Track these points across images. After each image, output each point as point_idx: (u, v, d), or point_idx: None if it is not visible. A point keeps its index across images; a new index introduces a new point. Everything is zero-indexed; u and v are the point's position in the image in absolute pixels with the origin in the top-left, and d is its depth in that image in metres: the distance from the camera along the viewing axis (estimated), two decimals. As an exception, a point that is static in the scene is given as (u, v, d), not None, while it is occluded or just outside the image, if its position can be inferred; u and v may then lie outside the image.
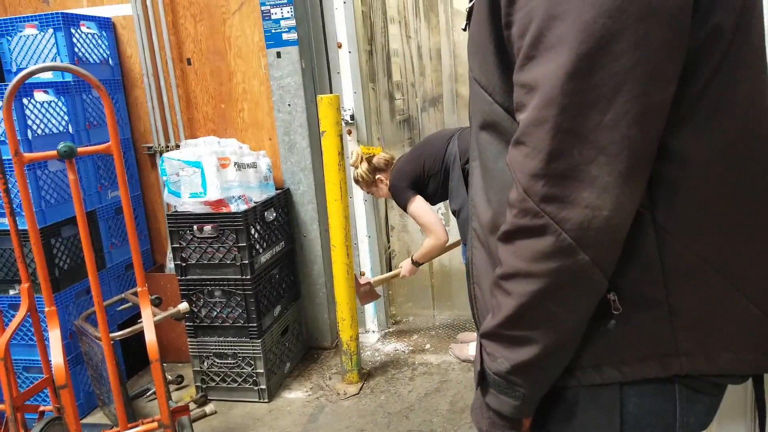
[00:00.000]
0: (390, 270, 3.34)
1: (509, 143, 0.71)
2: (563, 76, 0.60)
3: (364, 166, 2.70)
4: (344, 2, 2.85)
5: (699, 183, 0.68)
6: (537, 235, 0.65)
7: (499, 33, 0.70)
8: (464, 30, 0.84)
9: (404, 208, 2.61)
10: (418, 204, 2.56)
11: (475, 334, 2.83)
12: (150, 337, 2.10)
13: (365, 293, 2.95)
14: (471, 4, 0.80)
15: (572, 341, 0.71)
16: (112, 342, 2.35)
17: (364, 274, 3.13)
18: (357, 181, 2.77)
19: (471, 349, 2.80)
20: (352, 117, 2.93)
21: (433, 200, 2.66)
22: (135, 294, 2.61)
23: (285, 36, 2.75)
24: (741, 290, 0.71)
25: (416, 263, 2.83)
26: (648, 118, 0.62)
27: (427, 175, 2.55)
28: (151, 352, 2.09)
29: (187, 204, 2.56)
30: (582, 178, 0.62)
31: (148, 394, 2.75)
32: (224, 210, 2.54)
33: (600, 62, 0.60)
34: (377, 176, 2.71)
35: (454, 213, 2.54)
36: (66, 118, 2.68)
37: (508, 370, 0.72)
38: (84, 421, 2.65)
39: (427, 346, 3.03)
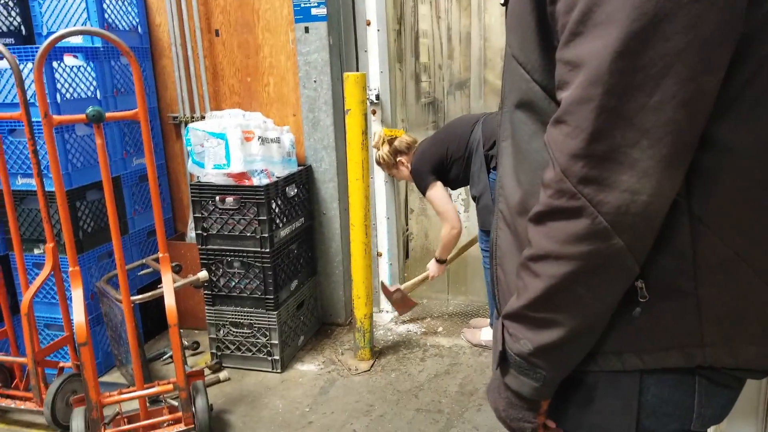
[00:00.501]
0: (408, 252, 3.35)
1: (544, 123, 0.70)
2: (611, 54, 0.59)
3: (386, 148, 2.72)
4: (375, -20, 2.83)
5: (738, 174, 0.66)
6: (572, 217, 0.64)
7: (541, 8, 0.68)
8: (503, 5, 0.83)
9: (423, 192, 2.62)
10: (438, 191, 2.58)
11: (487, 320, 2.84)
12: (169, 301, 2.14)
13: (399, 302, 2.99)
14: None
15: (598, 326, 0.71)
16: (132, 305, 2.41)
17: (381, 255, 3.14)
18: (378, 163, 2.80)
19: (483, 335, 2.82)
20: (378, 97, 2.92)
21: (454, 185, 2.67)
22: (156, 260, 2.66)
23: (314, 11, 2.74)
24: None
25: (440, 260, 2.86)
26: (695, 103, 0.60)
27: (450, 160, 2.55)
28: (170, 316, 2.13)
29: (210, 175, 2.58)
30: (623, 160, 0.61)
31: (164, 357, 2.81)
32: (246, 183, 2.56)
33: (650, 42, 0.58)
34: (398, 158, 2.73)
35: (474, 198, 2.55)
36: (94, 83, 2.71)
37: (530, 352, 0.72)
38: (101, 379, 2.71)
39: (440, 329, 3.05)
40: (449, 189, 2.82)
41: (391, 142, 2.73)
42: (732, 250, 0.68)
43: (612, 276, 0.66)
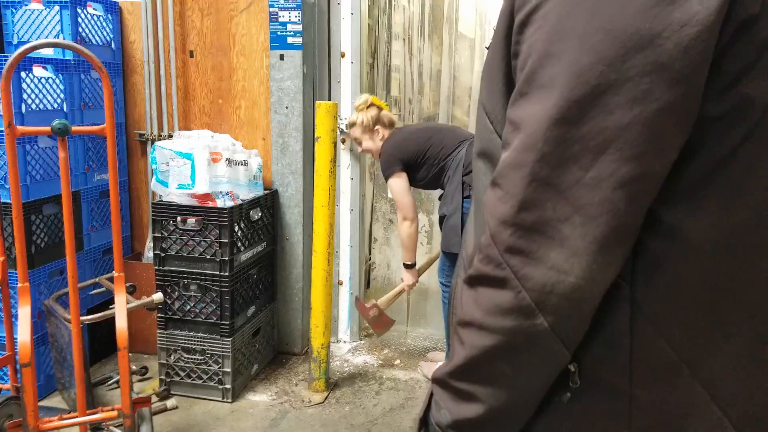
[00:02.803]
0: (369, 281, 3.34)
1: None
2: (548, 121, 0.55)
3: (373, 112, 2.68)
4: (352, 13, 2.89)
5: (689, 266, 0.58)
6: (497, 287, 0.59)
7: (509, 60, 0.64)
8: (487, 48, 0.79)
9: (387, 177, 2.62)
10: (401, 181, 2.59)
11: (443, 354, 2.84)
12: (121, 324, 2.08)
13: (376, 320, 2.89)
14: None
15: (523, 410, 0.64)
16: (81, 326, 2.33)
17: (342, 284, 3.13)
18: (353, 124, 2.72)
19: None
20: (348, 126, 2.95)
21: (415, 184, 2.67)
22: (110, 279, 2.59)
23: (290, 39, 2.77)
24: (713, 398, 0.60)
25: (408, 265, 2.78)
26: (636, 185, 0.54)
27: (423, 159, 2.57)
28: (120, 339, 2.06)
29: (173, 194, 2.55)
30: (552, 235, 0.55)
31: (110, 382, 2.71)
32: (210, 204, 2.53)
33: (590, 113, 0.53)
34: (377, 126, 2.69)
35: (442, 218, 2.56)
36: (62, 96, 2.67)
37: (449, 424, 0.66)
38: (41, 403, 2.59)
39: (397, 361, 3.04)
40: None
41: (379, 109, 2.71)
42: (674, 350, 0.60)
43: (536, 358, 0.60)
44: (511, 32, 0.62)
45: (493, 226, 0.59)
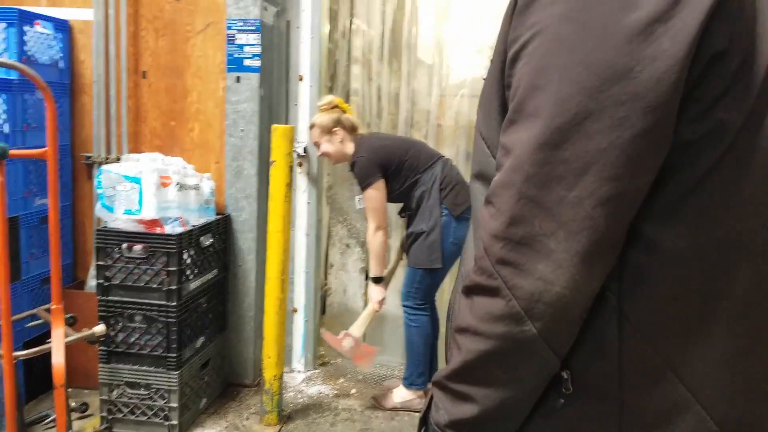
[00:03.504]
0: (324, 308, 3.27)
1: None
2: (534, 145, 0.61)
3: (335, 114, 2.61)
4: (311, 37, 2.86)
5: (670, 278, 0.64)
6: (490, 296, 0.64)
7: (504, 91, 0.71)
8: (484, 79, 0.85)
9: (366, 186, 2.53)
10: (379, 192, 2.52)
11: (400, 382, 2.78)
12: (57, 359, 1.96)
13: (354, 351, 2.70)
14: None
15: (516, 412, 0.69)
16: (15, 361, 2.18)
17: (296, 311, 3.04)
18: (313, 125, 2.66)
19: (396, 396, 2.75)
20: (305, 150, 2.90)
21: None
22: (49, 311, 2.44)
23: (247, 62, 2.72)
24: (697, 399, 0.66)
25: (377, 279, 2.70)
26: (615, 203, 0.60)
27: (399, 170, 2.53)
28: (56, 376, 1.94)
29: (119, 220, 2.44)
30: (539, 249, 0.61)
31: (46, 421, 2.54)
32: (158, 230, 2.43)
33: (572, 138, 0.59)
34: (336, 128, 2.62)
35: (421, 233, 2.53)
36: (4, 116, 2.54)
37: (446, 423, 0.71)
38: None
39: (353, 390, 2.95)
40: None
41: (342, 111, 2.64)
42: (661, 357, 0.65)
43: (526, 363, 0.65)
44: (504, 67, 0.69)
45: (486, 239, 0.65)
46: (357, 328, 2.75)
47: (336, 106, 2.64)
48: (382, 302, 2.74)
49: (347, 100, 3.15)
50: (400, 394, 2.74)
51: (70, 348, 2.11)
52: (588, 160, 0.59)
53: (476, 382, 0.68)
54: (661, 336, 0.65)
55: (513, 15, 0.67)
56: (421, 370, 2.68)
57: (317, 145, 2.70)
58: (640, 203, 0.62)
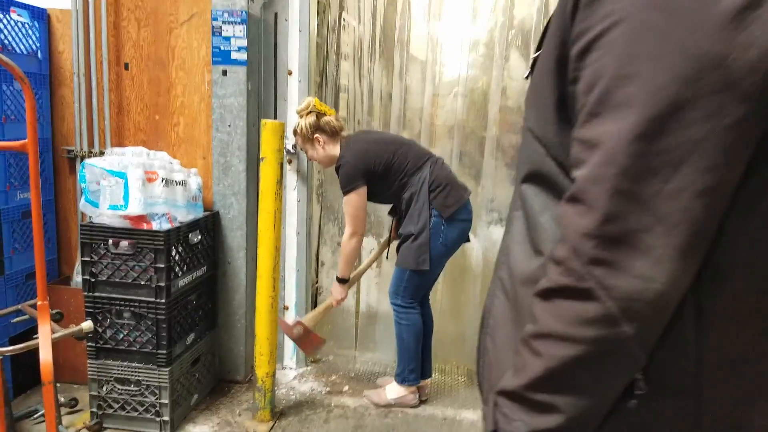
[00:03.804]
0: (315, 305, 3.24)
1: (557, 197, 0.71)
2: (628, 137, 0.59)
3: (311, 119, 2.55)
4: (300, 30, 2.81)
5: (749, 271, 0.64)
6: (580, 299, 0.62)
7: (562, 87, 0.69)
8: (526, 78, 0.84)
9: (347, 191, 2.49)
10: (361, 198, 2.49)
11: (392, 379, 2.77)
12: (45, 356, 1.90)
13: (302, 339, 2.70)
14: (537, 54, 0.79)
15: (597, 418, 0.67)
16: (1, 357, 2.13)
17: (287, 309, 3.02)
18: (295, 132, 2.63)
19: (389, 393, 2.74)
20: (294, 147, 2.86)
21: (371, 198, 2.58)
22: (34, 306, 2.38)
23: (234, 55, 2.67)
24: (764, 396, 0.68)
25: (342, 280, 2.68)
26: (712, 195, 0.59)
27: (386, 172, 2.50)
28: (44, 373, 1.88)
29: (104, 216, 2.38)
30: (636, 245, 0.59)
31: (36, 416, 2.48)
32: (145, 227, 2.38)
33: (669, 128, 0.58)
34: (316, 135, 2.57)
35: (410, 235, 2.51)
36: (-20, 108, 2.46)
37: None
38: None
39: (345, 387, 2.94)
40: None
41: (319, 115, 2.56)
42: (737, 351, 0.66)
43: (617, 365, 0.63)
44: (562, 62, 0.68)
45: (574, 239, 0.62)
46: (310, 319, 2.74)
47: (312, 110, 2.56)
48: (340, 301, 2.73)
49: (337, 96, 3.12)
50: (393, 391, 2.73)
51: (57, 343, 2.06)
52: (685, 150, 0.58)
53: (561, 390, 0.65)
54: (738, 330, 0.65)
55: (576, 7, 0.65)
56: (412, 366, 2.67)
57: (303, 149, 2.68)
58: (731, 195, 0.61)
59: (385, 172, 2.50)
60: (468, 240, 2.66)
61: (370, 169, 2.49)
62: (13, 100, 2.62)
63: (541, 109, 0.74)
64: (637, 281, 0.59)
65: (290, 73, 2.84)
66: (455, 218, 2.50)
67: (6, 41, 2.56)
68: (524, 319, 0.74)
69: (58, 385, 2.79)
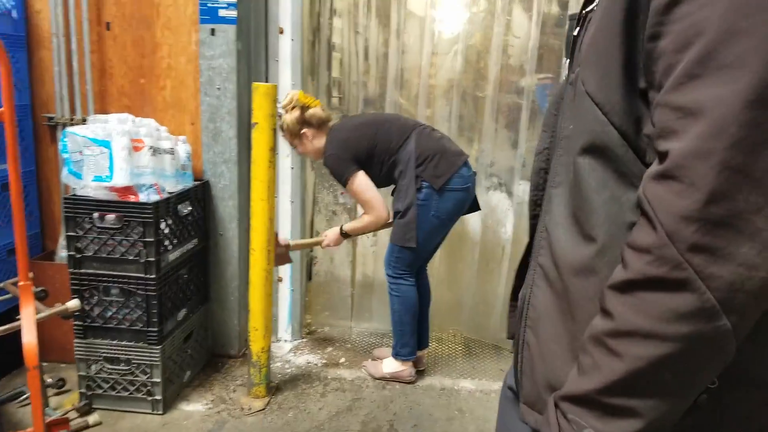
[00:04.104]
0: (310, 277, 3.16)
1: (617, 172, 0.64)
2: (741, 104, 0.51)
3: (296, 113, 2.45)
4: (290, -14, 2.64)
5: None
6: (673, 290, 0.55)
7: (632, 45, 0.62)
8: (575, 36, 0.74)
9: (344, 182, 2.41)
10: (362, 179, 2.40)
11: (389, 351, 2.70)
12: (29, 339, 1.81)
13: (279, 255, 2.63)
14: (591, 7, 0.70)
15: (676, 416, 0.61)
16: (-20, 339, 2.03)
17: (281, 280, 2.93)
18: (281, 128, 2.52)
19: (386, 366, 2.68)
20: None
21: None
22: (17, 284, 2.28)
23: (222, 12, 2.50)
24: None
25: (345, 234, 2.60)
26: None
27: (373, 156, 2.40)
28: (28, 357, 1.79)
29: (89, 188, 2.25)
30: (743, 228, 0.52)
31: (22, 398, 2.41)
32: (132, 199, 2.26)
33: None
34: (303, 130, 2.48)
35: (397, 212, 2.44)
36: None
37: None
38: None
39: (342, 359, 2.88)
40: None
41: (303, 109, 2.46)
42: None
43: (709, 362, 0.57)
44: (634, 15, 0.60)
45: (670, 223, 0.55)
46: (297, 245, 2.73)
47: (296, 105, 2.46)
48: (328, 246, 2.65)
49: (330, 55, 2.96)
50: (389, 365, 2.67)
51: (42, 323, 1.96)
52: None
53: (642, 392, 0.58)
54: None
55: None
56: (405, 340, 2.60)
57: (292, 145, 2.58)
58: None
59: (370, 155, 2.41)
60: (475, 209, 2.55)
61: (355, 156, 2.39)
62: (-13, 63, 2.46)
63: (604, 70, 0.65)
64: (740, 269, 0.53)
65: (282, 32, 2.68)
66: (448, 188, 2.38)
67: (-25, -1, 2.38)
68: (578, 313, 0.67)
69: (45, 364, 2.71)
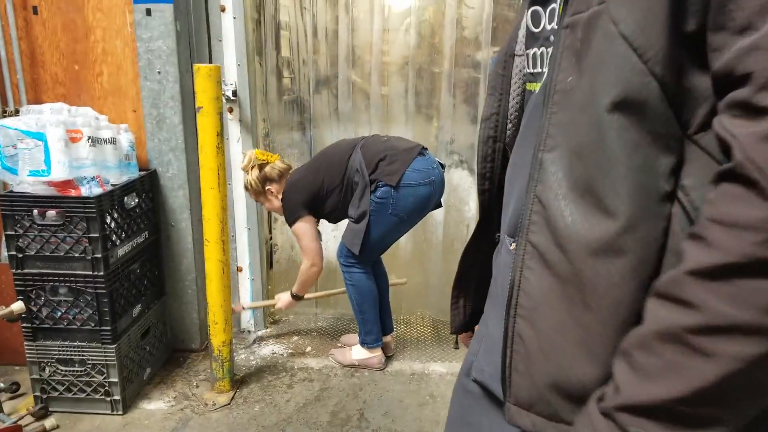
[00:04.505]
0: (271, 265, 3.07)
1: (651, 134, 0.54)
2: None
3: (255, 173, 2.46)
4: (230, -39, 2.51)
5: None
6: None
7: None
8: None
9: (291, 224, 2.43)
10: (306, 225, 2.42)
11: (356, 337, 2.65)
12: (-36, 350, 1.69)
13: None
14: None
15: (754, 420, 0.53)
16: None
17: (240, 270, 2.84)
18: (246, 189, 2.53)
19: (354, 353, 2.63)
20: (234, 93, 2.60)
21: (332, 217, 2.51)
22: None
23: (157, -8, 2.35)
24: None
25: (296, 296, 2.65)
26: None
27: (326, 190, 2.39)
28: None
29: (25, 183, 2.11)
30: None
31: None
32: (73, 193, 2.13)
33: None
34: (267, 187, 2.48)
35: (351, 219, 2.40)
36: None
37: None
38: None
39: (308, 348, 2.82)
40: (330, 223, 2.63)
41: (261, 167, 2.46)
42: None
43: None
44: None
45: None
46: (250, 305, 2.85)
47: (256, 163, 2.45)
48: (282, 310, 2.80)
49: (277, 34, 2.84)
50: (357, 352, 2.63)
51: None
52: None
53: (735, 398, 0.50)
54: None
55: None
56: (368, 328, 2.55)
57: (260, 202, 2.59)
58: None
59: (323, 190, 2.40)
60: (437, 206, 2.50)
61: (306, 197, 2.39)
62: None
63: (645, 6, 0.54)
64: None
65: (223, 9, 2.55)
66: (405, 184, 2.31)
67: None
68: (596, 300, 0.58)
69: (-4, 368, 2.59)
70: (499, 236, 0.95)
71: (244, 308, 2.80)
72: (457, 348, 1.23)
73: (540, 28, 0.76)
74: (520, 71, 0.87)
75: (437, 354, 2.78)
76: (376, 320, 2.56)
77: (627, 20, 0.56)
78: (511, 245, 0.82)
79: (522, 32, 0.85)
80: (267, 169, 2.46)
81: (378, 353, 2.61)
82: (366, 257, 2.46)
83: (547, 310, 0.64)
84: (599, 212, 0.58)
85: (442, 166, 2.43)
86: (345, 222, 2.49)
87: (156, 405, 2.36)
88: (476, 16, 2.74)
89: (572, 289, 0.61)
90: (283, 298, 2.69)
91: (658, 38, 0.54)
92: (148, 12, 2.36)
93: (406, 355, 2.76)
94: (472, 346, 1.00)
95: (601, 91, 0.58)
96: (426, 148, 2.42)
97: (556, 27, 0.70)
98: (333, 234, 3.02)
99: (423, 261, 3.07)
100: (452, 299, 1.13)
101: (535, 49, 0.78)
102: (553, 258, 0.63)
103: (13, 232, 2.14)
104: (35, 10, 2.43)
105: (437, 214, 2.97)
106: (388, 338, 2.69)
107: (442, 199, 2.50)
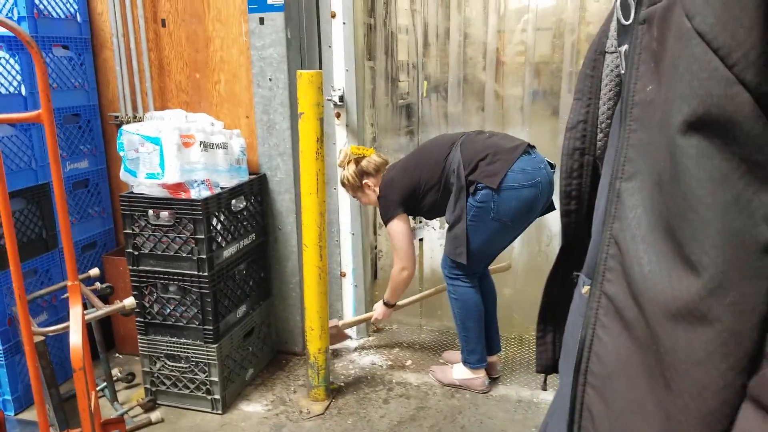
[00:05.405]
0: (376, 272, 3.01)
1: (745, 161, 0.42)
2: None
3: (351, 168, 2.42)
4: (342, -35, 2.48)
5: None
6: None
7: None
8: None
9: (386, 222, 2.35)
10: (401, 225, 2.33)
11: (459, 354, 2.49)
12: (75, 341, 1.79)
13: (333, 336, 2.67)
14: None
15: None
16: (43, 337, 2.08)
17: (344, 275, 2.80)
18: (343, 184, 2.49)
19: (455, 372, 2.47)
20: (341, 98, 2.58)
21: (429, 215, 2.41)
22: (85, 280, 2.33)
23: (270, 0, 2.39)
24: None
25: (388, 304, 2.57)
26: None
27: (423, 188, 2.28)
28: (74, 359, 1.78)
29: (143, 185, 2.25)
30: None
31: (97, 388, 2.47)
32: (183, 195, 2.22)
33: None
34: (364, 181, 2.42)
35: (448, 223, 2.27)
36: (19, 78, 2.37)
37: None
38: (20, 416, 2.39)
39: (408, 362, 2.71)
40: (425, 219, 2.53)
41: (357, 161, 2.41)
42: None
43: None
44: None
45: None
46: (348, 324, 2.78)
47: (352, 157, 2.42)
48: (379, 321, 2.67)
49: (389, 38, 2.77)
50: (459, 371, 2.46)
51: (117, 315, 1.96)
52: None
53: None
54: None
55: None
56: (471, 347, 2.38)
57: (356, 198, 2.56)
58: None
59: (423, 190, 2.29)
60: (550, 209, 2.29)
61: (404, 196, 2.30)
62: (56, 68, 2.54)
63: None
64: None
65: (334, 16, 2.53)
66: (507, 186, 2.11)
67: (42, 5, 2.45)
68: (675, 378, 0.45)
69: (120, 357, 2.78)
70: (577, 276, 0.77)
71: (340, 326, 2.73)
72: (545, 390, 1.07)
73: (630, 20, 0.59)
74: (612, 71, 0.72)
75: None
76: (481, 339, 2.39)
77: (703, 12, 0.43)
78: (583, 289, 0.65)
79: (613, 25, 0.70)
80: (363, 163, 2.41)
81: (481, 374, 2.43)
82: (470, 268, 2.29)
83: (623, 383, 0.50)
84: (681, 263, 0.44)
85: (552, 166, 2.21)
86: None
87: (254, 407, 2.38)
88: (602, 11, 2.46)
89: (651, 359, 0.47)
90: (377, 310, 2.62)
91: (749, 34, 0.41)
92: (261, 21, 2.41)
93: (514, 378, 2.54)
94: (553, 400, 0.85)
95: (674, 107, 0.44)
96: (533, 146, 2.21)
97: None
98: (439, 242, 2.89)
99: (539, 274, 2.82)
100: (537, 333, 0.98)
101: (626, 46, 0.61)
102: (630, 316, 0.49)
103: (131, 231, 2.27)
104: (163, 23, 2.59)
105: (553, 226, 2.71)
106: (494, 358, 2.50)
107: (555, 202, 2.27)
